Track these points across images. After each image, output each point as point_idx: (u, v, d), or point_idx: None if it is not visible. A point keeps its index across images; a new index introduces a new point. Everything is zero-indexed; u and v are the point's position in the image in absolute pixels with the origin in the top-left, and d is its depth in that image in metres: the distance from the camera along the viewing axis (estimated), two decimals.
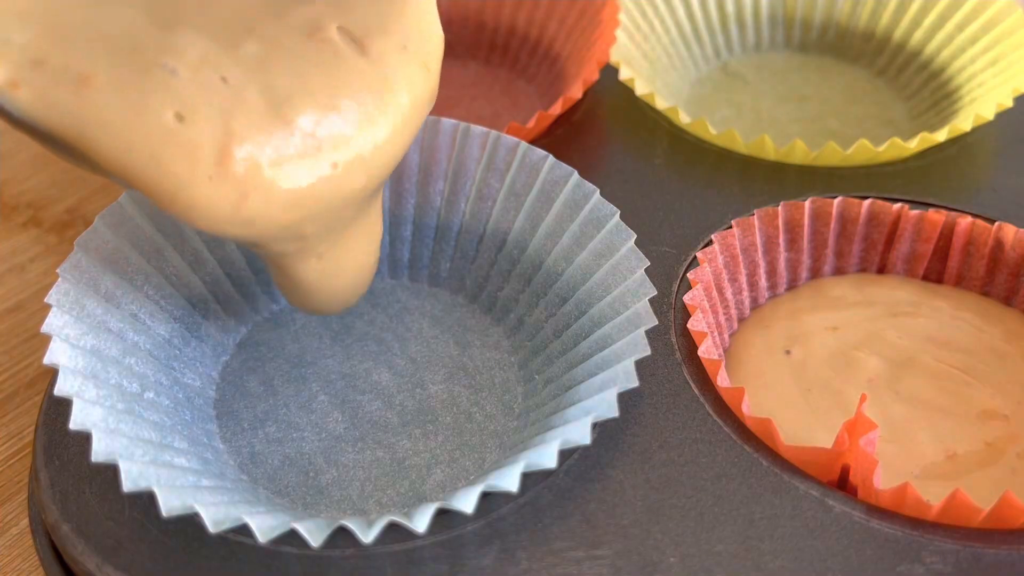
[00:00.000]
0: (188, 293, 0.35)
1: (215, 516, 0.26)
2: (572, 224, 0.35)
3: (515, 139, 0.36)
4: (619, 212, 0.34)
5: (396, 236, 0.39)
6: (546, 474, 0.30)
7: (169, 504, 0.26)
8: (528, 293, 0.36)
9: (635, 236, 0.34)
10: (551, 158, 0.36)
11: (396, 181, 0.38)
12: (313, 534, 0.27)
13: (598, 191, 0.35)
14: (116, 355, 0.31)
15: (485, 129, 0.37)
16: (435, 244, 0.39)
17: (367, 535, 0.27)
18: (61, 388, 0.28)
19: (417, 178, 0.38)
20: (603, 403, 0.28)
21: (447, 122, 0.37)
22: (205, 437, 0.33)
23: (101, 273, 0.32)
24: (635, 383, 0.29)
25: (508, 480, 0.27)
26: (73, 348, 0.30)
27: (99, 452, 0.27)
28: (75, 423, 0.27)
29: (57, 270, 0.31)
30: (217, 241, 0.36)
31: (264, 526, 0.26)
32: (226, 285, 0.36)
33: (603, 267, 0.34)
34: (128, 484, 0.26)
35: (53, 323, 0.30)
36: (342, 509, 0.31)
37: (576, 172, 0.35)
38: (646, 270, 0.33)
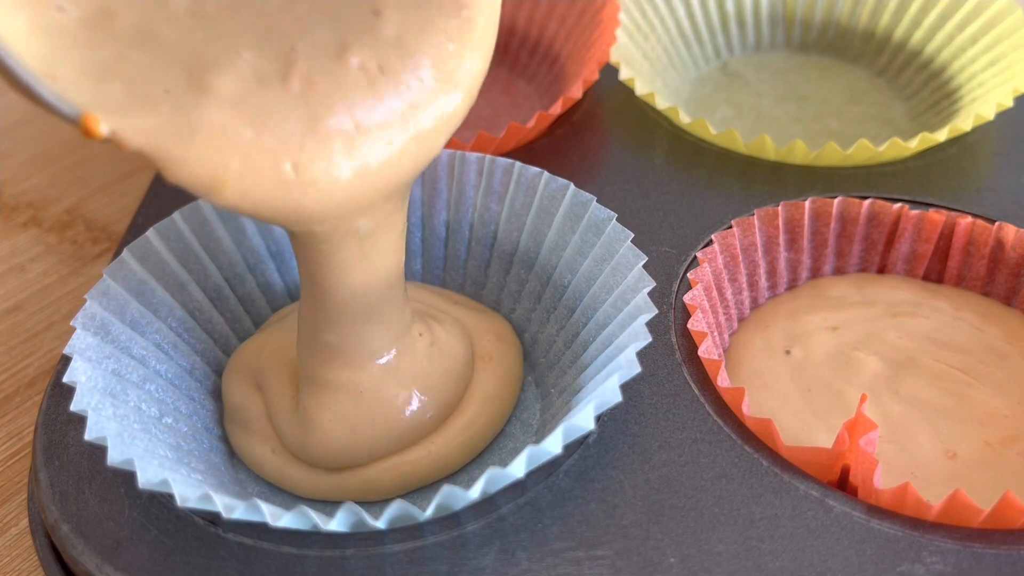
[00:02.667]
0: (210, 328, 0.36)
1: (227, 503, 0.27)
2: (574, 235, 0.35)
3: (509, 160, 0.37)
4: (616, 216, 0.34)
5: (408, 271, 0.39)
6: (546, 474, 0.30)
7: (183, 494, 0.26)
8: (540, 310, 0.37)
9: (632, 235, 0.34)
10: (546, 174, 0.36)
11: None
12: (325, 520, 0.27)
13: (595, 199, 0.35)
14: (136, 380, 0.32)
15: (480, 154, 0.37)
16: (445, 274, 0.39)
17: (379, 521, 0.27)
18: (78, 403, 0.29)
19: (422, 211, 0.38)
20: (606, 391, 0.28)
21: (444, 152, 0.37)
22: (223, 466, 0.33)
23: (127, 302, 0.33)
24: (637, 369, 0.29)
25: (514, 467, 0.27)
26: (94, 368, 0.31)
27: (115, 458, 0.27)
28: (90, 434, 0.28)
29: (85, 295, 0.32)
30: (239, 278, 0.37)
31: (275, 511, 0.27)
32: (246, 322, 0.37)
33: (604, 271, 0.34)
34: (143, 482, 0.27)
35: (76, 344, 0.31)
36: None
37: (572, 184, 0.36)
38: (646, 269, 0.33)
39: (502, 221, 0.37)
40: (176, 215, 0.35)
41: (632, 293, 0.32)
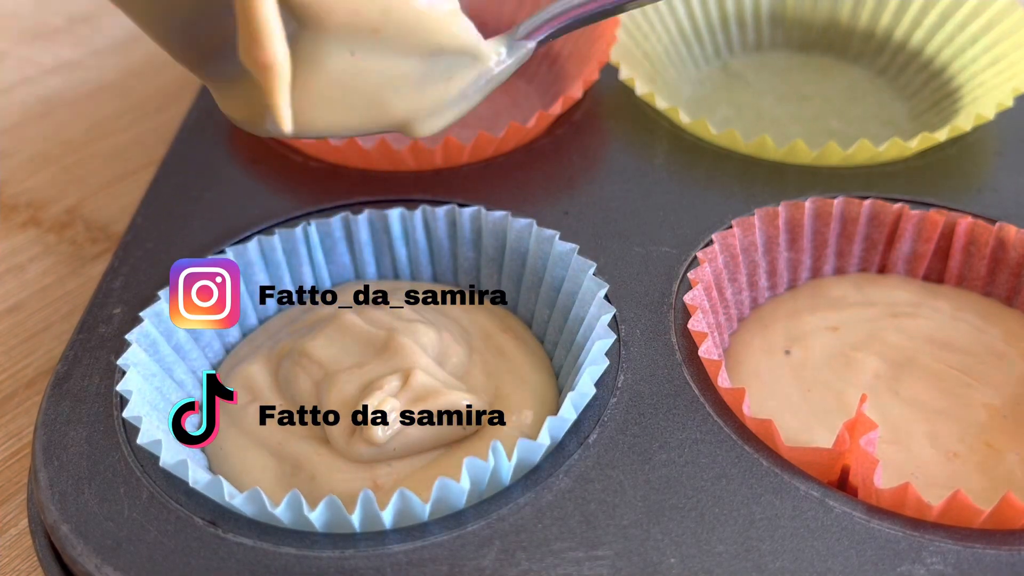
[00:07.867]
0: None
1: (269, 499, 0.29)
2: (545, 273, 0.36)
3: (474, 207, 0.38)
4: (577, 248, 0.36)
5: None
6: (546, 474, 0.30)
7: (231, 491, 0.29)
8: None
9: (595, 265, 0.35)
10: (509, 216, 0.37)
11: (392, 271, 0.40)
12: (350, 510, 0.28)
13: (558, 233, 0.36)
14: (175, 401, 0.33)
15: (447, 206, 0.38)
16: None
17: (384, 517, 0.28)
18: (131, 411, 0.30)
19: (410, 270, 0.39)
20: (565, 409, 0.31)
21: (417, 212, 0.38)
22: None
23: (176, 327, 0.34)
24: (592, 392, 0.31)
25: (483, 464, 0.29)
26: (145, 380, 0.32)
27: (167, 460, 0.29)
28: (143, 438, 0.30)
29: (141, 313, 0.34)
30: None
31: (307, 507, 0.28)
32: None
33: (575, 304, 0.35)
34: (192, 481, 0.29)
35: (131, 358, 0.32)
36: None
37: (535, 222, 0.37)
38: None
39: (481, 267, 0.38)
40: (229, 251, 0.37)
41: (595, 321, 0.33)
